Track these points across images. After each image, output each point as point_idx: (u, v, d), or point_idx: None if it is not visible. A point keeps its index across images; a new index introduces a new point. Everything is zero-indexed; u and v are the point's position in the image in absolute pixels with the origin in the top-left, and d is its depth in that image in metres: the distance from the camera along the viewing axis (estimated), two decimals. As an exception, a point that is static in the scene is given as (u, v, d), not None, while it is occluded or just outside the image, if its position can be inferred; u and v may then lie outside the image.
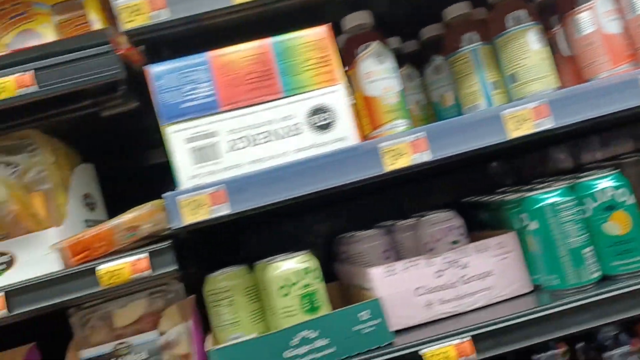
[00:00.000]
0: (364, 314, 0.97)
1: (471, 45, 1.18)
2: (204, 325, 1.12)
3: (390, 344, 0.97)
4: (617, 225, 0.99)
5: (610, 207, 1.00)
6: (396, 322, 1.04)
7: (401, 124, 1.13)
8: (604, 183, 1.01)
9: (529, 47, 1.11)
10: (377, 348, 0.97)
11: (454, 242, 1.11)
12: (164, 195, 0.95)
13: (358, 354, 0.96)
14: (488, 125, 0.98)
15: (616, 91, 0.99)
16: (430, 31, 1.30)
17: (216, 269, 1.10)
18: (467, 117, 1.00)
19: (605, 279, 1.01)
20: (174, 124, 0.96)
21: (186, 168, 0.96)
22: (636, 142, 1.65)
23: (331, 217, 1.57)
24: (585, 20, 1.08)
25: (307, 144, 0.97)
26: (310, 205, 1.53)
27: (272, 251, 1.10)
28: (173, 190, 0.95)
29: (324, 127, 0.97)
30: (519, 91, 1.15)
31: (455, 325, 1.00)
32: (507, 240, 1.09)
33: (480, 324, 0.95)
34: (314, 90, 0.97)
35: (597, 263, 1.00)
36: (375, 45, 1.09)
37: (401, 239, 1.21)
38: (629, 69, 1.06)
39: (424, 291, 1.06)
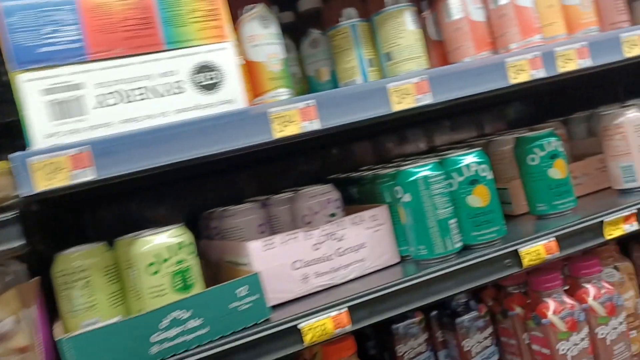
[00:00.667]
0: (242, 290, 0.92)
1: (351, 21, 1.19)
2: (52, 312, 0.97)
3: (267, 320, 0.94)
4: (478, 198, 1.08)
5: (473, 181, 1.08)
6: (274, 297, 1.01)
7: (284, 93, 1.10)
8: (469, 159, 1.09)
9: (405, 27, 1.15)
10: (254, 325, 0.92)
11: (332, 215, 1.11)
12: (10, 156, 0.79)
13: (233, 333, 0.90)
14: (375, 97, 0.99)
15: (487, 72, 1.07)
16: (308, 3, 1.28)
17: (66, 248, 0.95)
18: (356, 87, 1.00)
19: (466, 249, 1.09)
20: (27, 70, 0.80)
21: (42, 125, 0.81)
22: (496, 124, 1.83)
23: (195, 193, 1.47)
24: (455, 6, 1.15)
25: (190, 105, 0.88)
26: (175, 178, 1.42)
27: (128, 229, 0.99)
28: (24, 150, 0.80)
29: (210, 87, 0.89)
30: (393, 69, 1.19)
31: (330, 298, 1.01)
32: (380, 213, 1.12)
33: (355, 295, 0.96)
34: (200, 45, 0.89)
35: (460, 234, 1.08)
36: (260, 8, 1.04)
37: (277, 212, 1.18)
38: (489, 56, 1.16)
39: (300, 265, 1.04)
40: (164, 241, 0.91)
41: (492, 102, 1.81)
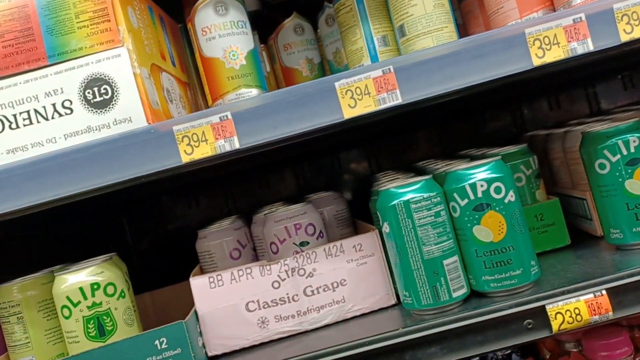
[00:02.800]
0: (161, 342, 0.77)
1: (350, -10, 0.93)
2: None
3: (197, 378, 0.78)
4: (487, 230, 0.77)
5: (481, 206, 0.77)
6: (221, 343, 0.85)
7: (249, 94, 0.90)
8: (477, 175, 0.78)
9: (414, -10, 0.86)
10: (180, 383, 0.77)
11: (302, 244, 0.89)
12: None
13: (153, 392, 0.77)
14: (323, 100, 0.75)
15: (492, 52, 0.74)
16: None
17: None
18: (291, 91, 0.76)
19: (478, 295, 0.80)
20: None
21: None
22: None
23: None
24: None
25: (80, 127, 0.74)
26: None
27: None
28: None
29: (102, 105, 0.74)
30: (407, 47, 0.92)
31: (293, 349, 0.81)
32: (366, 242, 0.87)
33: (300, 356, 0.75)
34: (88, 55, 0.74)
35: (464, 277, 0.79)
36: (201, -8, 0.85)
37: (259, 233, 1.00)
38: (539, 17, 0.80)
39: (256, 306, 0.85)
40: (78, 281, 0.80)
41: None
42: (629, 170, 0.80)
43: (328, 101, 0.74)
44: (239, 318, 0.85)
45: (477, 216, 0.77)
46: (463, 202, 0.78)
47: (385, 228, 0.79)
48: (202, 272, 0.99)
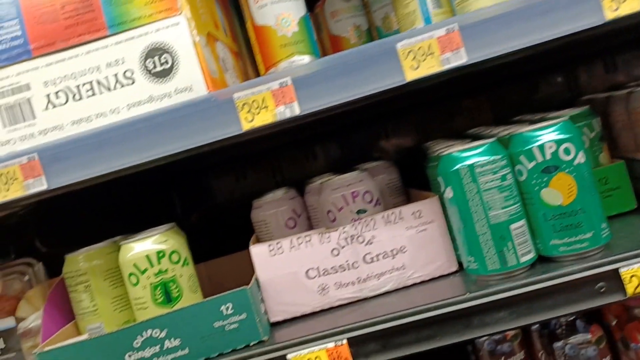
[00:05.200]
0: (227, 308, 0.78)
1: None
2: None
3: (261, 343, 0.79)
4: (557, 192, 0.75)
5: (551, 168, 0.75)
6: (283, 310, 0.86)
7: (301, 61, 0.89)
8: (545, 136, 0.75)
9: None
10: (245, 348, 0.78)
11: (359, 212, 0.88)
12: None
13: (220, 355, 0.78)
14: (384, 62, 0.73)
15: (561, 7, 0.71)
16: None
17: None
18: (350, 54, 0.74)
19: (546, 261, 0.78)
20: (-30, 76, 0.75)
21: (-5, 132, 0.76)
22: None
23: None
24: None
25: (143, 97, 0.75)
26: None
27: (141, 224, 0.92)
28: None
29: (163, 74, 0.74)
30: (463, 8, 0.89)
31: (354, 315, 0.81)
32: (426, 208, 0.86)
33: (357, 324, 0.75)
34: (147, 24, 0.74)
35: (531, 242, 0.77)
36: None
37: (313, 202, 1.00)
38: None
39: (316, 273, 0.86)
40: (142, 250, 0.81)
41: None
42: None
43: (389, 63, 0.72)
44: (300, 285, 0.86)
45: (545, 179, 0.75)
46: (530, 165, 0.75)
47: (449, 193, 0.78)
48: (258, 241, 0.99)
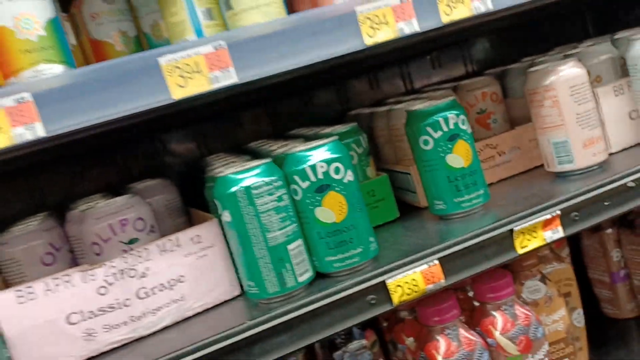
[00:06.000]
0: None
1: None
2: None
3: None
4: (329, 211, 0.76)
5: (322, 187, 0.76)
6: (40, 366, 0.72)
7: (51, 70, 0.76)
8: (317, 155, 0.76)
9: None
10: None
11: (131, 242, 0.80)
12: None
13: None
14: (147, 78, 0.66)
15: (326, 31, 0.72)
16: None
17: None
18: (107, 67, 0.66)
19: (323, 277, 0.79)
20: None
21: None
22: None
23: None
24: None
25: None
26: None
27: None
28: None
29: None
30: (234, 22, 0.86)
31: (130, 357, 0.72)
32: (204, 233, 0.81)
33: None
34: None
35: (308, 260, 0.78)
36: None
37: (74, 234, 0.87)
38: None
39: (80, 317, 0.74)
40: None
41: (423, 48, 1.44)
42: (449, 145, 0.86)
43: (153, 79, 0.65)
44: (60, 334, 0.73)
45: (318, 198, 0.76)
46: (304, 185, 0.76)
47: (226, 217, 0.74)
48: (7, 285, 0.83)
